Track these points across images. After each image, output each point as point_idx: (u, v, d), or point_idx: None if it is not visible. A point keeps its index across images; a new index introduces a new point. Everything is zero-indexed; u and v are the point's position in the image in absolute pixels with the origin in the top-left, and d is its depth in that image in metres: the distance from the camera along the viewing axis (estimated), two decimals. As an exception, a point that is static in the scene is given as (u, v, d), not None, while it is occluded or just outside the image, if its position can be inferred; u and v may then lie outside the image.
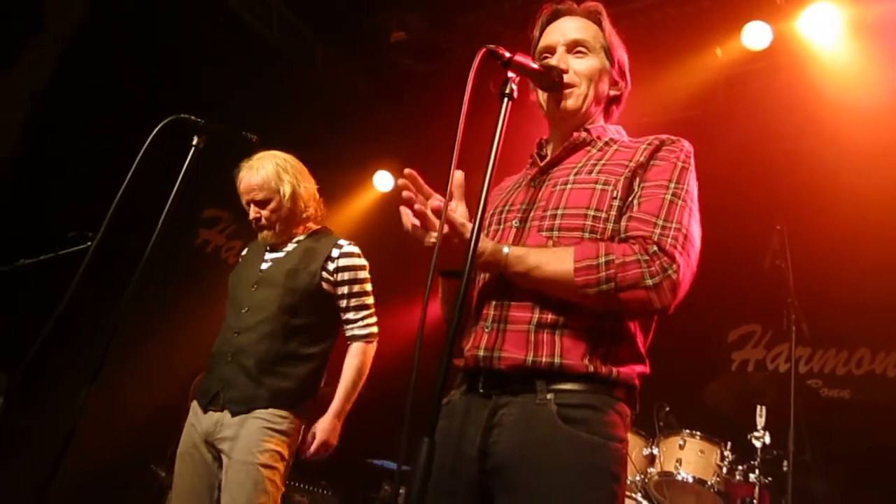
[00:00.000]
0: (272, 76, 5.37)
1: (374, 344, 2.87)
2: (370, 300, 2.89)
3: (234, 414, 2.64)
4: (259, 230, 2.91)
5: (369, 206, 6.45)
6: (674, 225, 1.54)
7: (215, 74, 4.88)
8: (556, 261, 1.52)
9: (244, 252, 3.12)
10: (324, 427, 2.71)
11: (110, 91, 4.48)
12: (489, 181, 1.40)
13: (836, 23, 4.37)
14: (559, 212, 1.62)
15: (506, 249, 1.54)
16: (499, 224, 1.72)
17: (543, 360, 1.51)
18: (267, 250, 2.96)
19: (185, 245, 5.18)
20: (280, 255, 2.90)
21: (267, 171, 2.83)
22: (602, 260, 1.49)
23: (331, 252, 2.82)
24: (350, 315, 2.83)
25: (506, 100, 1.50)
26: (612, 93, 1.83)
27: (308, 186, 2.92)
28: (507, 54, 1.53)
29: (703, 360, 4.99)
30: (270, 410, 2.63)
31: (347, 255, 2.83)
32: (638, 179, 1.62)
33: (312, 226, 2.98)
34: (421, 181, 1.56)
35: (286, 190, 2.83)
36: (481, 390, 1.57)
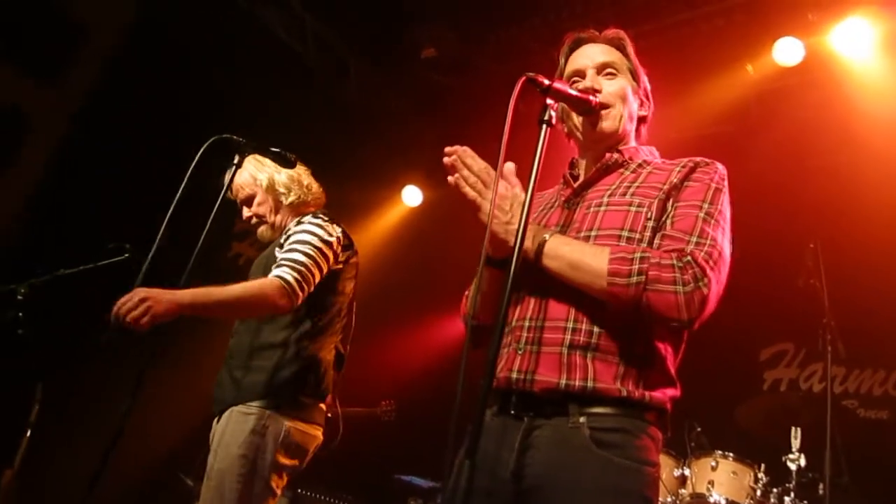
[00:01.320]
0: (306, 92, 5.47)
1: (283, 297, 2.44)
2: (306, 262, 2.52)
3: (218, 415, 2.60)
4: (255, 229, 2.90)
5: (398, 220, 6.48)
6: (708, 241, 1.55)
7: (250, 91, 4.98)
8: (594, 246, 1.57)
9: None
10: (155, 290, 2.23)
11: (149, 107, 4.59)
12: (528, 206, 1.42)
13: (868, 37, 4.33)
14: (593, 233, 1.63)
15: (548, 234, 1.58)
16: None
17: (577, 383, 1.51)
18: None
19: (218, 257, 5.26)
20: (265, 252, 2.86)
21: (248, 170, 2.80)
22: (638, 255, 1.51)
23: (291, 227, 2.69)
24: (278, 263, 2.53)
25: (545, 126, 1.52)
26: (641, 113, 1.87)
27: (290, 173, 2.80)
28: (547, 81, 1.56)
29: (734, 379, 4.91)
30: (239, 407, 2.51)
31: (303, 222, 2.67)
32: (672, 200, 1.64)
33: (311, 210, 2.86)
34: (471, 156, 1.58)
35: (262, 179, 2.80)
36: (513, 412, 1.58)
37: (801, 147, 4.90)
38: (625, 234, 1.60)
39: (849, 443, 3.57)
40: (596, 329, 1.55)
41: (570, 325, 1.56)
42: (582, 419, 1.50)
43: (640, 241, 1.59)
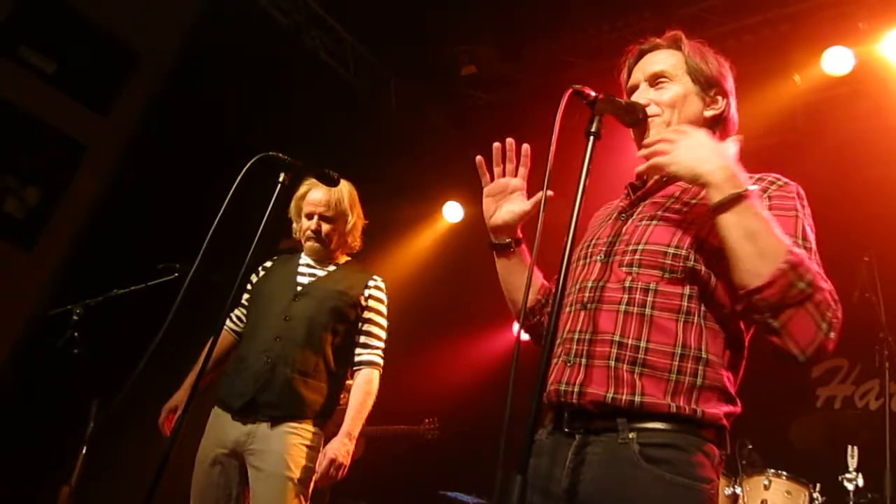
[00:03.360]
0: (348, 111, 5.56)
1: (379, 375, 2.94)
2: (384, 336, 3.01)
3: (270, 421, 2.69)
4: (307, 241, 3.00)
5: (439, 237, 6.51)
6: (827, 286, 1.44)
7: (293, 111, 5.08)
8: (779, 231, 1.42)
9: (268, 264, 3.17)
10: (335, 447, 2.69)
11: (196, 130, 4.72)
12: (576, 221, 1.43)
13: (922, 44, 4.21)
14: (640, 247, 1.59)
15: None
16: (585, 258, 1.71)
17: (624, 397, 1.48)
18: (304, 264, 3.04)
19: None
20: (320, 272, 3.01)
21: (342, 194, 2.99)
22: (813, 267, 1.42)
23: (367, 283, 3.00)
24: (364, 340, 2.95)
25: (592, 138, 1.51)
26: (708, 113, 1.77)
27: (361, 222, 3.10)
28: (593, 93, 1.55)
29: (786, 396, 4.77)
30: (304, 424, 2.73)
31: (379, 288, 3.03)
32: None
33: (346, 257, 3.13)
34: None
35: (352, 218, 3.02)
36: (565, 428, 1.56)
37: (852, 158, 4.77)
38: (671, 250, 1.54)
39: (911, 462, 3.43)
40: (643, 345, 1.51)
41: (617, 338, 1.54)
42: (631, 435, 1.47)
43: (686, 258, 1.53)
